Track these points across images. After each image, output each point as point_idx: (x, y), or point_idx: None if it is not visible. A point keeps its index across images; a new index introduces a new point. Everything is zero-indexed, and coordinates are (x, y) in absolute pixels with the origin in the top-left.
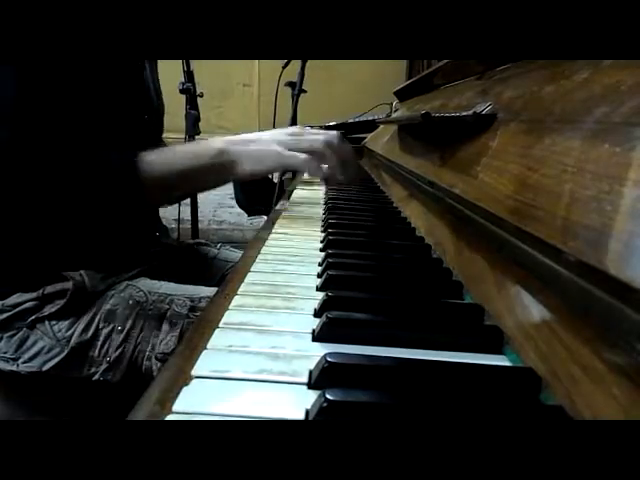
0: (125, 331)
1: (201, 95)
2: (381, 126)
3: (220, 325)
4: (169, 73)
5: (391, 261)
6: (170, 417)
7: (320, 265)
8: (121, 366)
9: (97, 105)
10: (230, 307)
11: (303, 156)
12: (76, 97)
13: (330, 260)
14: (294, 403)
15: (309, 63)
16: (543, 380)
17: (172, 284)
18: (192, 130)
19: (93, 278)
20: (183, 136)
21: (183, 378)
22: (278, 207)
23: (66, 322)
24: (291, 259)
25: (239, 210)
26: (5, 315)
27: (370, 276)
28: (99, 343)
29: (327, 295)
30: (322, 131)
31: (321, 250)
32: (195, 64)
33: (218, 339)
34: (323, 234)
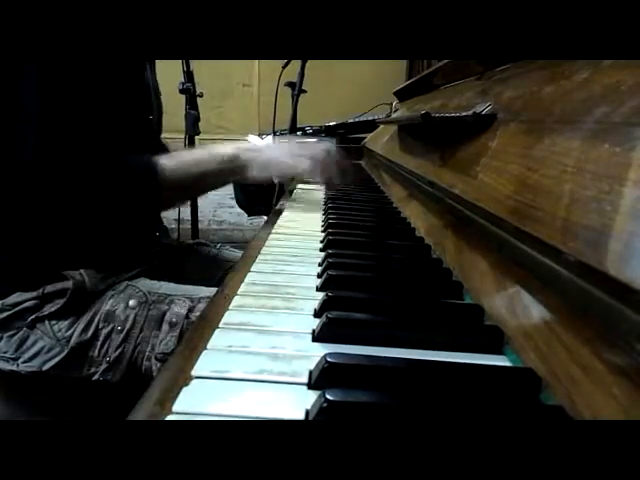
0: (125, 331)
1: (201, 95)
2: (381, 126)
3: (220, 325)
4: (169, 73)
5: (391, 261)
6: (170, 417)
7: (320, 265)
8: (121, 366)
9: (108, 109)
10: (230, 307)
11: (305, 166)
12: (90, 104)
13: (330, 260)
14: (294, 403)
15: (309, 63)
16: (543, 380)
17: (172, 284)
18: (192, 130)
19: (93, 278)
20: (183, 136)
21: (183, 378)
22: (278, 207)
23: (66, 322)
24: (291, 259)
25: (239, 210)
26: (5, 314)
27: (370, 276)
28: (99, 343)
29: (327, 295)
30: (320, 143)
31: (321, 250)
32: (195, 64)
33: (218, 339)
34: (323, 234)
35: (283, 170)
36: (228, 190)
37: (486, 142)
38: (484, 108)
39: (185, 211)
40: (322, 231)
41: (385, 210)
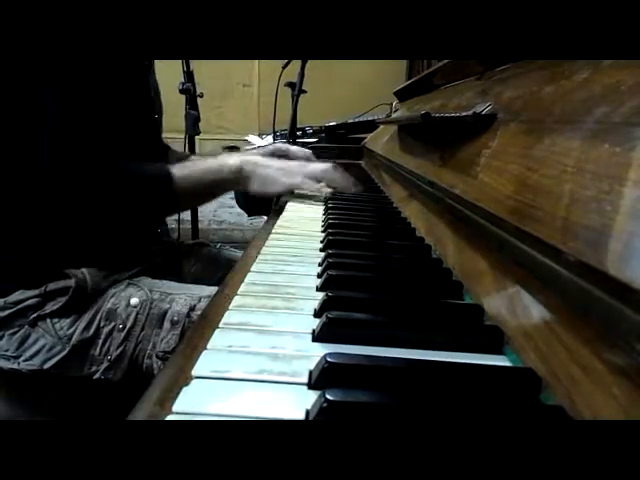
0: (126, 329)
1: (201, 95)
2: (381, 126)
3: (220, 325)
4: (169, 73)
5: (391, 261)
6: (170, 417)
7: (320, 265)
8: (122, 364)
9: (118, 110)
10: (230, 307)
11: (305, 183)
12: (101, 105)
13: (330, 260)
14: (294, 403)
15: (309, 63)
16: (543, 380)
17: (173, 283)
18: (192, 130)
19: (95, 276)
20: (183, 136)
21: (183, 378)
22: (278, 207)
23: (68, 320)
24: (291, 259)
25: (239, 210)
26: (7, 312)
27: (370, 276)
28: (100, 341)
29: (327, 295)
30: (321, 164)
31: (321, 250)
32: (195, 64)
33: (218, 339)
34: (323, 234)
35: (279, 188)
36: None
37: (486, 142)
38: (484, 108)
39: (185, 211)
40: (322, 231)
41: (385, 210)
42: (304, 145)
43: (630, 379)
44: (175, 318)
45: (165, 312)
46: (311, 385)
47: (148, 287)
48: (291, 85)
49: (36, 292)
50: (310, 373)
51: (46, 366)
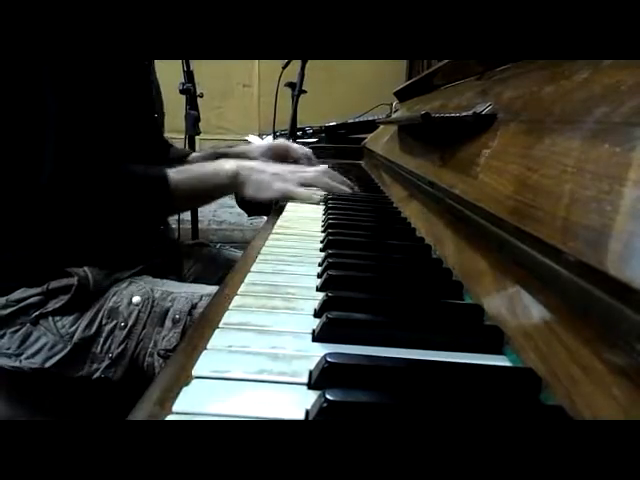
0: (128, 327)
1: (201, 95)
2: (381, 126)
3: (220, 325)
4: (169, 73)
5: (391, 261)
6: (170, 417)
7: (320, 265)
8: (123, 362)
9: (119, 110)
10: (230, 307)
11: (298, 190)
12: (102, 105)
13: (330, 260)
14: (294, 403)
15: (309, 63)
16: (543, 380)
17: (175, 282)
18: (192, 130)
19: (97, 274)
20: (183, 136)
21: (184, 376)
22: (278, 207)
23: (70, 318)
24: (291, 259)
25: (239, 210)
26: (9, 310)
27: (370, 276)
28: (102, 339)
29: (327, 295)
30: (314, 168)
31: (321, 250)
32: (195, 64)
33: (218, 339)
34: (323, 234)
35: (273, 194)
36: None
37: (486, 142)
38: (484, 108)
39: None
40: (322, 231)
41: (385, 210)
42: (304, 145)
43: (630, 379)
44: (177, 316)
45: (167, 310)
46: (311, 385)
47: (150, 286)
48: (291, 85)
49: (38, 290)
50: (310, 373)
51: (47, 364)
